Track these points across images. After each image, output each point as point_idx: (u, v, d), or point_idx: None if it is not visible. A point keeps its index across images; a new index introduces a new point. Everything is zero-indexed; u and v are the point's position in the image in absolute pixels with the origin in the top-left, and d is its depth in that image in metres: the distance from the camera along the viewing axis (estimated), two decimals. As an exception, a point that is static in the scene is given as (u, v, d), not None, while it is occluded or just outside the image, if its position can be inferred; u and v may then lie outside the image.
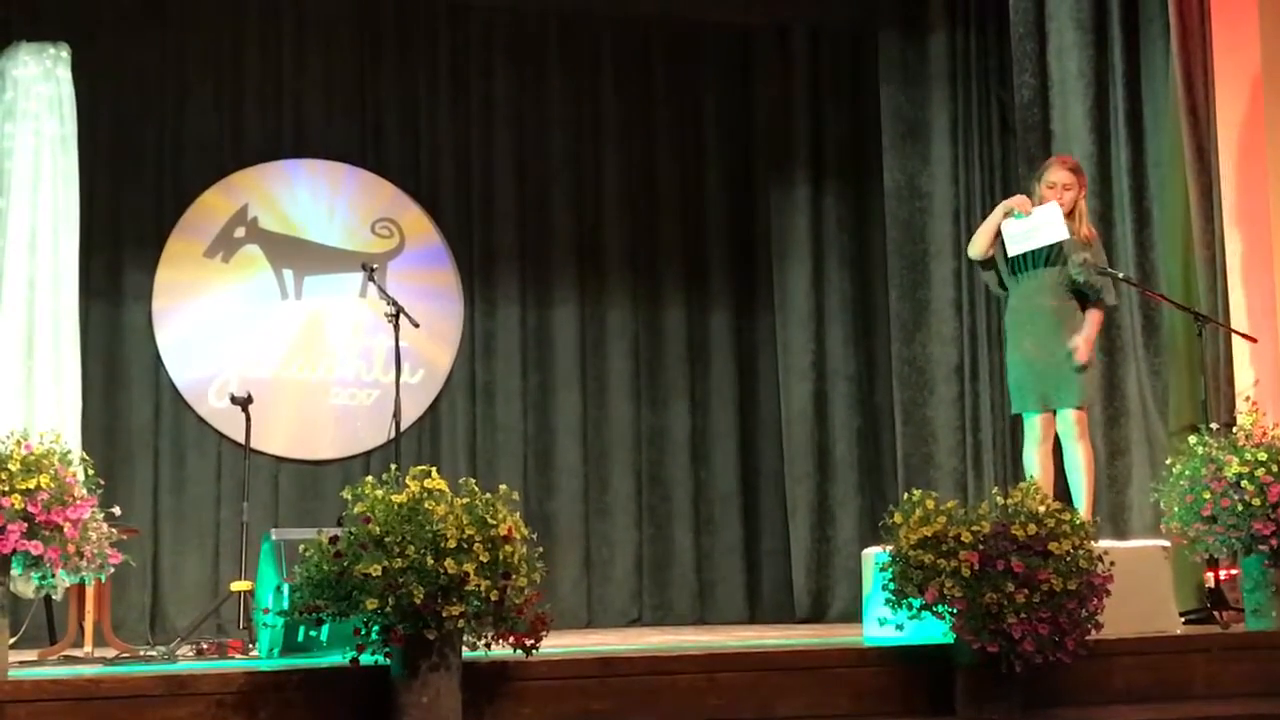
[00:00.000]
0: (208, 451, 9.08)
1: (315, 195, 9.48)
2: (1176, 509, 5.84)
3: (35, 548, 4.33)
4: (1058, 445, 6.39)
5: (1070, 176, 6.45)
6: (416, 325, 6.94)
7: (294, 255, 9.39)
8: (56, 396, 7.85)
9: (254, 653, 5.86)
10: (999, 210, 6.47)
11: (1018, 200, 6.40)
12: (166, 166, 9.23)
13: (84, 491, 4.55)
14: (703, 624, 9.50)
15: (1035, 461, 6.38)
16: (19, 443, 4.44)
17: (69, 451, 4.56)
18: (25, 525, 4.32)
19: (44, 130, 8.09)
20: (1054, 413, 6.34)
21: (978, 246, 6.52)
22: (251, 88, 9.41)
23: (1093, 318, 6.41)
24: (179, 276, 9.14)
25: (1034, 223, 6.32)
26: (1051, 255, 6.36)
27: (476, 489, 4.46)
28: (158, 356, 9.06)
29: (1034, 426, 6.38)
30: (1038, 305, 6.35)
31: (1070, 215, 6.37)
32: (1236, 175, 7.42)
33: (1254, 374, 7.09)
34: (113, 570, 4.71)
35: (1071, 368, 6.29)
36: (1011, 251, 6.36)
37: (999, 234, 6.44)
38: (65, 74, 8.17)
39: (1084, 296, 6.40)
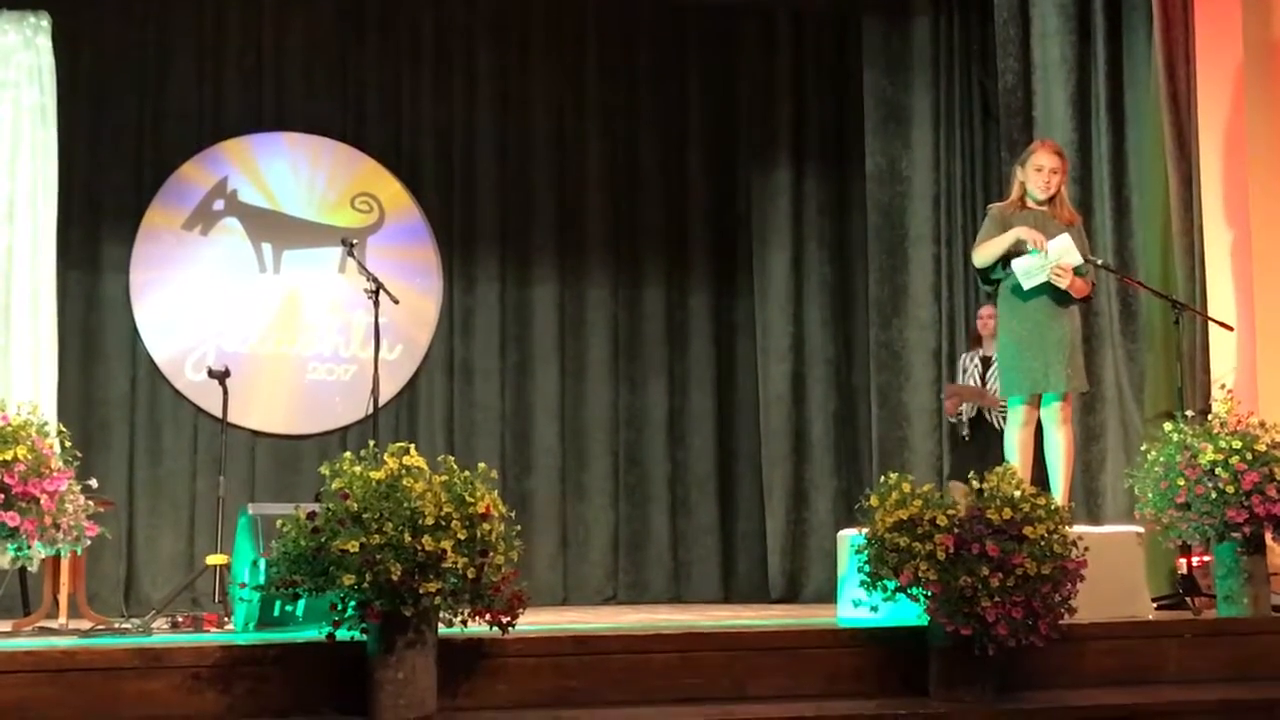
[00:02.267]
0: (184, 425, 9.06)
1: (295, 169, 9.45)
2: (1151, 495, 5.87)
3: (11, 519, 4.33)
4: (1039, 432, 6.38)
5: (1057, 160, 6.35)
6: (396, 301, 6.93)
7: (273, 229, 9.36)
8: (33, 367, 7.83)
9: (229, 626, 5.86)
10: (1010, 237, 6.23)
11: (1032, 236, 6.17)
12: (146, 137, 9.20)
13: (60, 463, 4.53)
14: (678, 603, 9.53)
15: (1015, 445, 6.34)
16: (-4, 414, 4.43)
17: (46, 423, 4.55)
18: (2, 496, 4.31)
19: (23, 99, 8.06)
20: (1039, 397, 6.32)
21: (982, 260, 6.37)
22: (232, 59, 9.37)
23: (1080, 280, 6.24)
24: (157, 248, 9.11)
25: (1047, 259, 6.11)
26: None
27: (455, 466, 4.45)
28: (135, 329, 9.03)
29: (1018, 411, 6.34)
30: (1030, 290, 6.28)
31: (1052, 200, 6.35)
32: (1217, 164, 7.44)
33: (1231, 362, 7.13)
34: (89, 542, 4.69)
35: (1065, 353, 6.20)
36: (1026, 286, 6.19)
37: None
38: (45, 43, 8.14)
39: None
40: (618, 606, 9.28)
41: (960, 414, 8.20)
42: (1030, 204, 6.32)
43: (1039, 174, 6.30)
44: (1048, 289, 6.15)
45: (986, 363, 8.12)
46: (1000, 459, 7.16)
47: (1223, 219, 7.40)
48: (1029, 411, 6.31)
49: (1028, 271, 6.14)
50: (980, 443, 8.00)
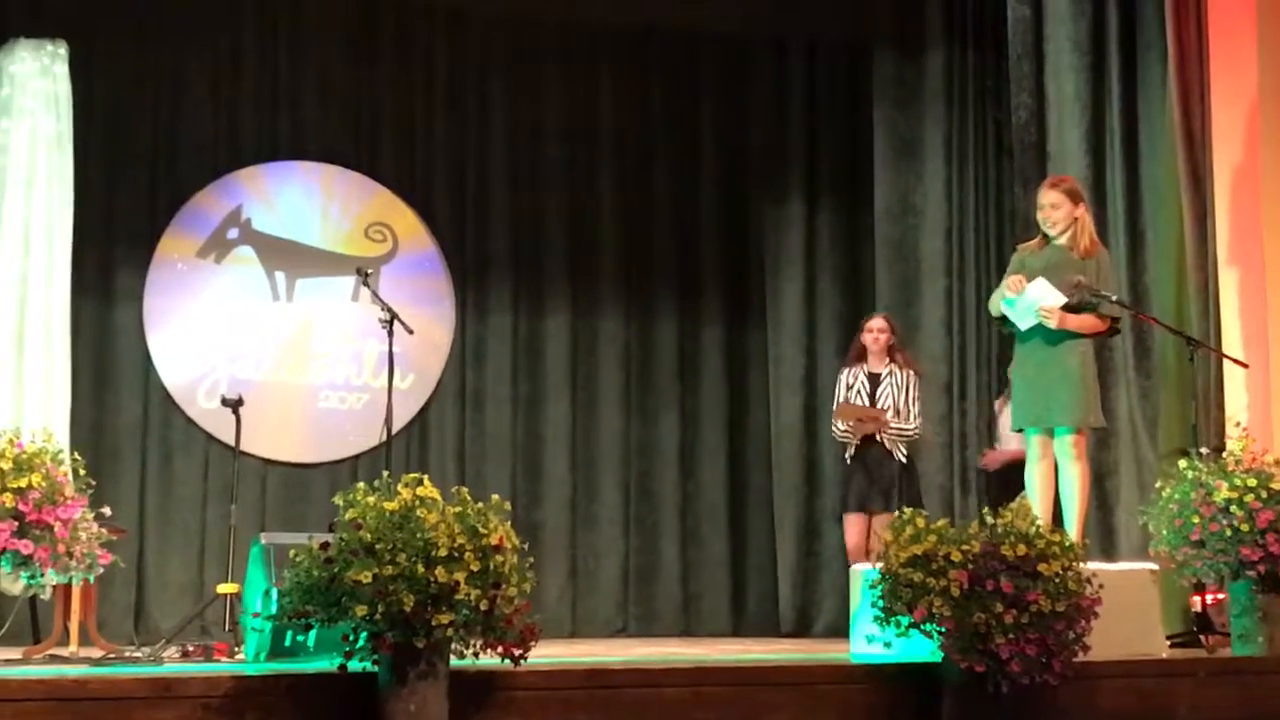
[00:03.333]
0: (195, 453, 9.06)
1: (309, 198, 9.47)
2: (1165, 532, 5.84)
3: (25, 547, 4.32)
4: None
5: (1055, 195, 6.42)
6: (411, 332, 6.94)
7: (286, 257, 9.38)
8: (46, 394, 7.83)
9: (240, 656, 5.84)
10: (1003, 287, 6.39)
11: (1010, 283, 6.33)
12: (161, 166, 9.22)
13: (74, 491, 4.53)
14: (688, 635, 9.50)
15: (1031, 479, 6.38)
16: (11, 441, 4.43)
17: (60, 451, 4.55)
18: (15, 524, 4.31)
19: (40, 127, 8.08)
20: (1052, 432, 6.34)
21: (992, 310, 6.60)
22: (248, 89, 9.40)
23: (1084, 318, 6.31)
24: (171, 276, 9.13)
25: (1027, 302, 6.27)
26: (1068, 277, 6.33)
27: (468, 498, 4.45)
28: (148, 356, 9.04)
29: (1033, 445, 6.39)
30: (1039, 326, 6.32)
31: (1067, 231, 6.38)
32: (1231, 200, 7.43)
33: (1245, 399, 7.10)
34: (101, 570, 4.68)
35: (1070, 388, 6.25)
36: (1023, 327, 6.31)
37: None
38: (62, 71, 8.17)
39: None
40: (627, 639, 9.25)
41: (851, 433, 7.87)
42: (1050, 241, 6.43)
43: (1040, 212, 6.46)
44: (1052, 325, 6.24)
45: (874, 380, 7.96)
46: (886, 483, 7.66)
47: (1237, 255, 7.38)
48: (1041, 445, 6.35)
49: (1018, 315, 6.31)
50: (866, 464, 7.83)
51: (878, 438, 7.88)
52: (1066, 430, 6.28)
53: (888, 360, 8.02)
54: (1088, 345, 6.35)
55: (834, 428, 8.10)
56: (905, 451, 7.91)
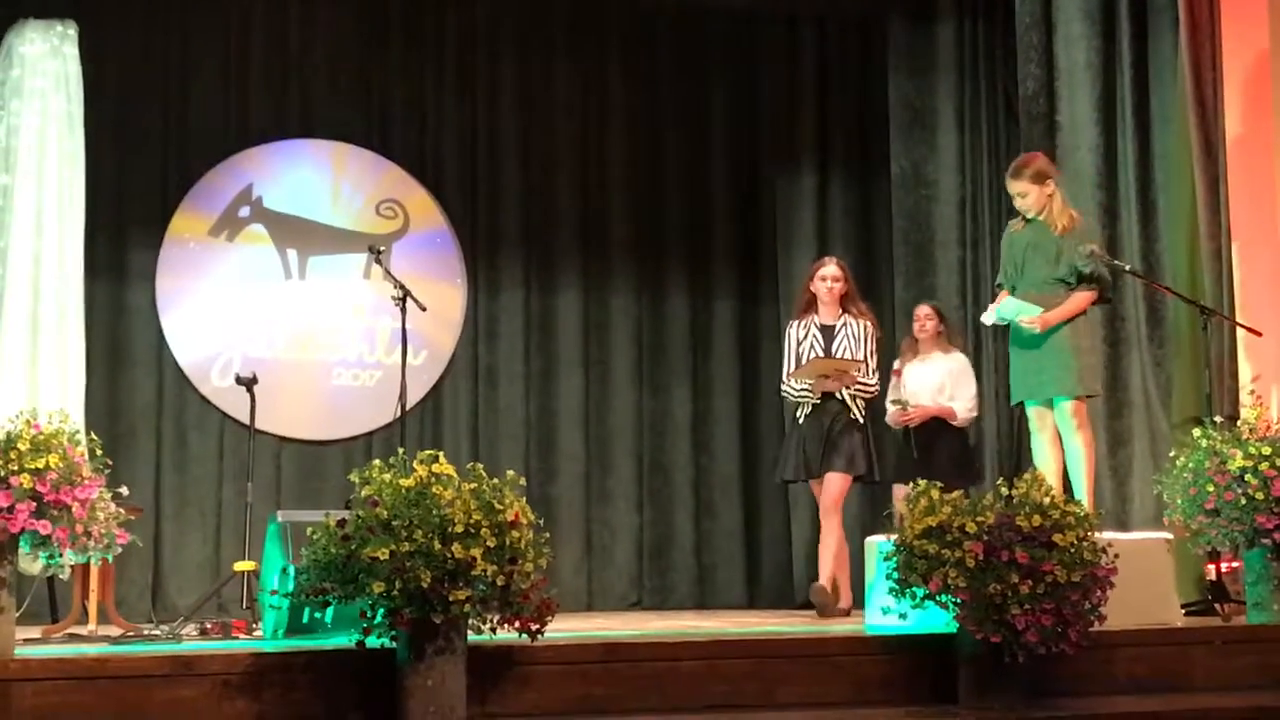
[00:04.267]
0: (210, 431, 9.09)
1: (320, 175, 9.48)
2: (1179, 501, 5.85)
3: (44, 527, 4.33)
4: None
5: (1020, 185, 6.58)
6: (424, 309, 6.93)
7: (298, 235, 9.39)
8: (60, 375, 7.84)
9: (258, 633, 5.87)
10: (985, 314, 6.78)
11: (984, 319, 6.74)
12: (172, 145, 9.23)
13: (91, 471, 4.55)
14: (702, 609, 9.53)
15: (1036, 451, 6.50)
16: (28, 422, 4.44)
17: (77, 431, 4.56)
18: (34, 504, 4.32)
19: (50, 108, 8.07)
20: (1050, 403, 6.41)
21: (987, 322, 6.85)
22: (258, 67, 9.40)
23: (1073, 299, 6.46)
24: (183, 255, 9.14)
25: (1007, 318, 6.53)
26: (1050, 254, 6.47)
27: (484, 474, 4.46)
28: (161, 335, 9.06)
29: (1031, 418, 6.55)
30: (1032, 300, 6.45)
31: (1043, 211, 6.52)
32: (1244, 168, 7.41)
33: (1256, 368, 7.09)
34: (120, 550, 4.71)
35: (1060, 359, 6.38)
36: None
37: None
38: (72, 51, 8.16)
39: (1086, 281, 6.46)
40: (643, 612, 9.28)
41: (811, 391, 7.42)
42: (1030, 220, 6.62)
43: (1014, 201, 6.65)
44: (1045, 299, 6.43)
45: (828, 333, 7.54)
46: (849, 443, 7.44)
47: (1250, 222, 7.36)
48: (1039, 417, 6.51)
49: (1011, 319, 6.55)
50: (822, 424, 7.46)
51: (839, 394, 7.50)
52: (1061, 399, 6.40)
53: (840, 311, 7.58)
54: (1089, 316, 6.51)
55: (786, 388, 7.68)
56: (863, 410, 7.56)
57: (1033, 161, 6.73)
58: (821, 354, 7.46)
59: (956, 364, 8.27)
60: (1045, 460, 6.43)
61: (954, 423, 8.14)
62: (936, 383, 8.17)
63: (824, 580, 7.50)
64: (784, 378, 7.70)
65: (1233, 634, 5.63)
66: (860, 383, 7.56)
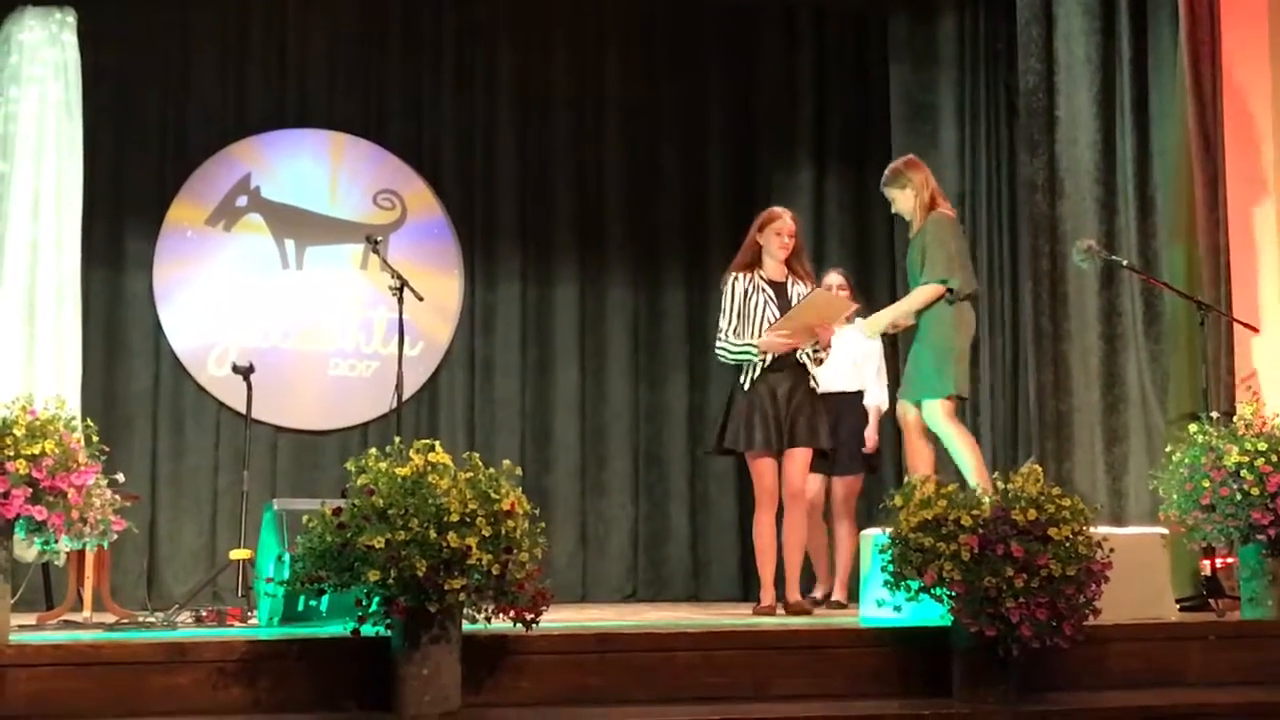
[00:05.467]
0: (207, 420, 9.08)
1: (318, 165, 9.47)
2: (1175, 497, 5.84)
3: (39, 513, 4.34)
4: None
5: (889, 193, 6.80)
6: (421, 299, 6.94)
7: (296, 225, 9.38)
8: (57, 362, 7.85)
9: (254, 621, 5.88)
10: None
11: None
12: (170, 134, 9.22)
13: (87, 458, 4.55)
14: (696, 601, 9.53)
15: (905, 447, 6.76)
16: (25, 408, 4.44)
17: (73, 418, 4.56)
18: (29, 490, 4.32)
19: (48, 95, 8.07)
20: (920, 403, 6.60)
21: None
22: (256, 56, 9.39)
23: (911, 295, 6.61)
24: (180, 244, 9.14)
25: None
26: (915, 254, 6.61)
27: (480, 463, 4.46)
28: (158, 324, 9.06)
29: (899, 414, 6.76)
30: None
31: (911, 213, 6.69)
32: (1243, 164, 7.41)
33: (1253, 364, 7.10)
34: (115, 537, 4.71)
35: (918, 363, 6.56)
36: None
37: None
38: (71, 39, 8.15)
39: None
40: (637, 604, 9.28)
41: (764, 349, 6.62)
42: None
43: None
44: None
45: (779, 290, 6.80)
46: (809, 414, 6.80)
47: (1248, 218, 7.37)
48: (913, 416, 6.63)
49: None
50: (775, 392, 6.68)
51: (799, 357, 6.74)
52: (923, 398, 6.54)
53: (786, 271, 6.88)
54: (947, 314, 6.55)
55: (723, 347, 6.80)
56: (815, 378, 6.85)
57: (894, 168, 6.84)
58: (776, 314, 6.69)
59: (872, 346, 8.02)
60: (916, 455, 6.59)
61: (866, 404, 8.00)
62: (850, 358, 7.91)
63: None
64: (721, 336, 6.81)
65: (1227, 629, 5.62)
66: (815, 348, 6.82)
